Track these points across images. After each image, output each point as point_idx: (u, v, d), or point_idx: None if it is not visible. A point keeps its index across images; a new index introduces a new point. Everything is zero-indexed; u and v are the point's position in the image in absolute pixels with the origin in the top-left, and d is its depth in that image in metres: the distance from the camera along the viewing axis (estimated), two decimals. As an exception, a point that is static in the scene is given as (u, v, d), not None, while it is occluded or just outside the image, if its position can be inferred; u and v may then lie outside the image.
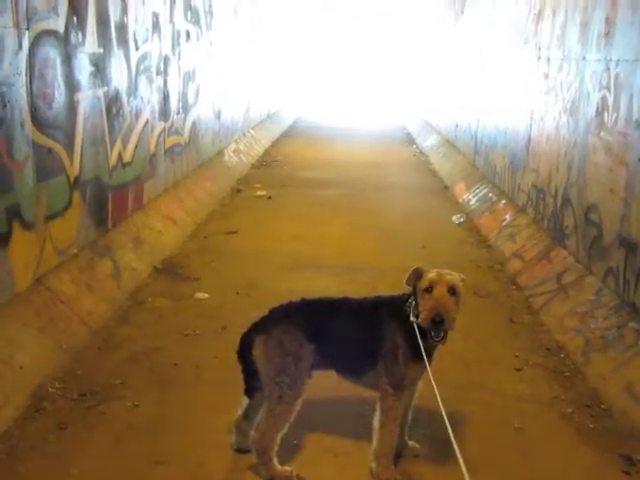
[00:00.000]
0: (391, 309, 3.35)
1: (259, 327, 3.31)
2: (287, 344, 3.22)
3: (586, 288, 5.26)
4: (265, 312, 3.38)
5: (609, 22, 5.31)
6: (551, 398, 4.24)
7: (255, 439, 3.25)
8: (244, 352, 3.32)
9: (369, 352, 3.32)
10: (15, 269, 4.25)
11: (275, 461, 3.25)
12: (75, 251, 5.15)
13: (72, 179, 5.07)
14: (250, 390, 3.39)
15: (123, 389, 4.10)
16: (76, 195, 5.16)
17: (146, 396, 4.03)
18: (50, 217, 4.71)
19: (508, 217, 7.84)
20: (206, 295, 5.69)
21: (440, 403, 2.71)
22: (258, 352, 3.24)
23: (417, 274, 3.24)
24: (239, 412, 3.48)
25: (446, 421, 2.58)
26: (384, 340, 3.28)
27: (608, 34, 5.32)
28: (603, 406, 4.09)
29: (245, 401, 3.43)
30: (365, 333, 3.34)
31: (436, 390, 2.81)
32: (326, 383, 3.57)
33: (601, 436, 3.83)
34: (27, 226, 4.37)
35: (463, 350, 4.76)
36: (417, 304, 3.22)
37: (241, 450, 3.46)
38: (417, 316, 3.18)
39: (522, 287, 6.11)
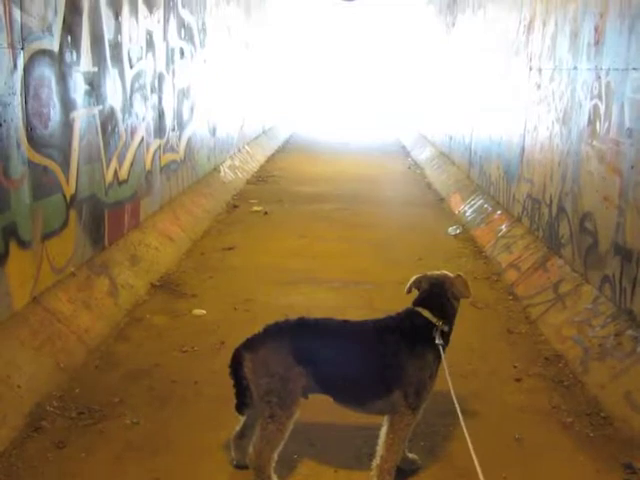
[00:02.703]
0: (409, 333, 3.27)
1: (249, 344, 3.24)
2: (273, 365, 3.15)
3: (583, 297, 5.27)
4: (261, 328, 3.35)
5: (598, 31, 5.36)
6: (551, 408, 4.23)
7: (252, 457, 3.20)
8: (236, 368, 3.26)
9: (382, 381, 3.23)
10: (12, 288, 4.25)
11: (274, 478, 3.21)
12: (72, 269, 5.15)
13: (68, 197, 5.08)
14: (240, 406, 3.33)
15: (122, 407, 4.08)
16: (72, 213, 5.17)
17: (145, 414, 4.02)
18: (47, 235, 4.71)
19: (504, 228, 7.86)
20: (203, 311, 5.69)
21: (460, 415, 2.73)
22: (247, 370, 3.18)
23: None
24: (237, 428, 3.46)
25: (465, 431, 2.61)
26: (406, 367, 3.20)
27: (598, 43, 5.37)
28: (603, 414, 4.09)
29: (243, 417, 3.42)
30: (376, 361, 3.24)
31: (456, 403, 2.85)
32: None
33: (602, 445, 3.82)
34: (24, 245, 4.38)
35: (462, 361, 4.76)
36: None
37: (240, 466, 3.44)
38: (443, 337, 3.23)
39: (519, 297, 6.12)
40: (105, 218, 5.89)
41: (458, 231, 8.72)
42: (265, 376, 3.15)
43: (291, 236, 8.35)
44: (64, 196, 5.01)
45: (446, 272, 3.48)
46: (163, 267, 6.70)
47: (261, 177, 12.90)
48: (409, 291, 3.46)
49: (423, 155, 15.44)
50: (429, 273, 3.49)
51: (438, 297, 3.37)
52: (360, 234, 8.54)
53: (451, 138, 12.76)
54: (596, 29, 5.41)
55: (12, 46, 4.16)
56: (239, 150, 13.17)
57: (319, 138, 20.46)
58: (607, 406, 4.13)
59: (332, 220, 9.35)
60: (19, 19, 4.23)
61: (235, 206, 10.10)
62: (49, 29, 4.70)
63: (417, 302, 3.40)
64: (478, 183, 10.02)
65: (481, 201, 9.34)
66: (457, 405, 3.01)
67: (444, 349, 3.25)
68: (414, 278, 3.47)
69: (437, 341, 3.21)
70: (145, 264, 6.42)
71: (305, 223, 9.12)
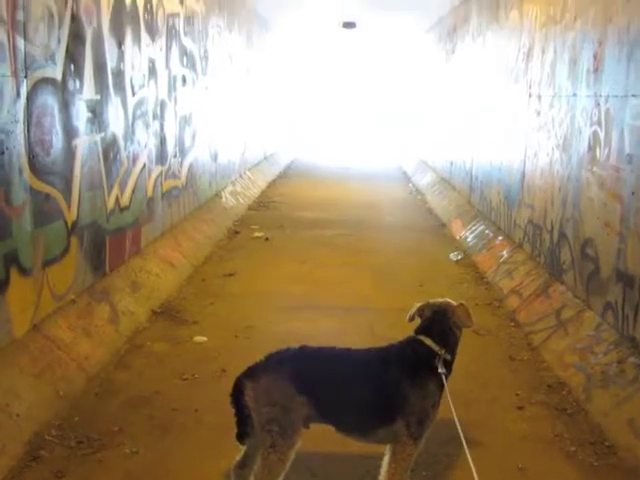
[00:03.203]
0: (411, 362, 3.26)
1: (250, 372, 3.21)
2: (275, 394, 3.12)
3: (585, 323, 5.25)
4: (263, 355, 3.31)
5: (597, 59, 5.40)
6: (554, 436, 4.19)
7: None
8: (237, 396, 3.22)
9: (385, 410, 3.20)
10: (12, 315, 4.24)
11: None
12: (72, 296, 5.15)
13: (70, 224, 5.09)
14: (241, 435, 3.28)
15: (121, 436, 4.05)
16: (74, 240, 5.17)
17: (145, 443, 3.99)
18: (47, 262, 4.71)
19: (505, 253, 7.86)
20: (204, 338, 5.67)
21: (465, 445, 2.70)
22: (248, 398, 3.15)
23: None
24: (238, 458, 3.42)
25: (469, 460, 2.58)
26: (408, 396, 3.18)
27: (597, 71, 5.41)
28: (607, 443, 4.05)
29: (244, 447, 3.38)
30: (379, 390, 3.21)
31: (461, 433, 2.86)
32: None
33: (606, 474, 3.78)
34: (24, 272, 4.37)
35: (463, 389, 4.72)
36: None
37: (241, 496, 3.40)
38: (445, 366, 3.21)
39: (521, 324, 6.10)
40: (106, 245, 5.90)
41: (460, 257, 8.71)
42: (266, 405, 3.12)
43: (292, 262, 8.35)
44: (65, 223, 5.02)
45: (449, 300, 3.47)
46: (164, 293, 6.69)
47: (262, 203, 12.93)
48: (412, 319, 3.44)
49: (424, 180, 15.48)
50: (431, 301, 3.47)
51: (440, 325, 3.35)
52: (361, 260, 8.54)
53: (452, 164, 12.81)
54: (595, 56, 5.45)
55: (15, 75, 4.20)
56: (240, 176, 13.22)
57: (320, 163, 20.54)
58: (611, 434, 4.09)
59: (333, 246, 9.35)
60: (23, 48, 4.27)
61: (236, 232, 10.11)
62: (52, 57, 4.74)
63: (419, 330, 3.38)
64: (479, 208, 10.04)
65: (482, 227, 9.34)
66: (462, 435, 2.99)
67: (447, 378, 3.23)
68: (417, 306, 3.45)
69: (440, 370, 3.19)
70: (146, 290, 6.41)
71: (306, 249, 9.11)
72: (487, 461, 3.84)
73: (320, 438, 3.55)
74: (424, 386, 3.20)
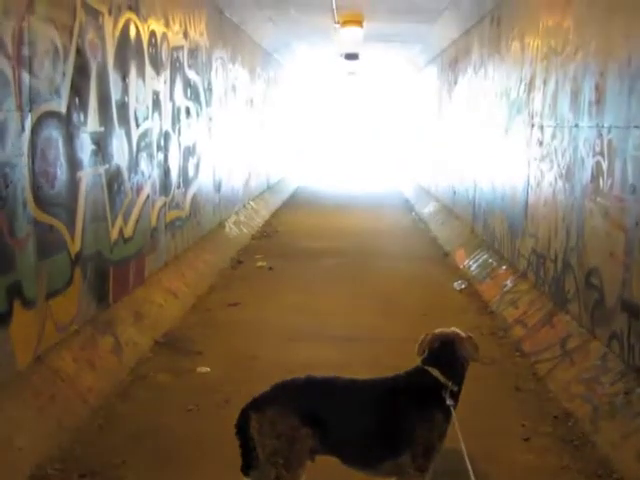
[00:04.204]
0: (418, 394, 3.24)
1: (256, 404, 3.19)
2: (280, 426, 3.09)
3: (591, 353, 5.22)
4: (269, 385, 3.29)
5: (599, 90, 5.43)
6: (560, 468, 4.14)
7: None
8: (242, 427, 3.20)
9: (391, 443, 3.17)
10: (15, 348, 4.23)
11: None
12: (76, 327, 5.14)
13: (73, 255, 5.10)
14: (247, 467, 3.24)
15: (124, 469, 4.01)
16: (77, 271, 5.17)
17: (148, 476, 3.96)
18: (51, 294, 4.71)
19: (509, 283, 7.84)
20: (208, 369, 5.64)
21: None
22: (253, 430, 3.13)
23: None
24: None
25: None
26: (415, 428, 3.15)
27: (599, 102, 5.44)
28: (615, 476, 3.99)
29: (248, 479, 3.34)
30: (386, 422, 3.18)
31: (469, 465, 2.84)
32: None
33: (614, 507, 3.74)
34: (28, 304, 4.37)
35: (468, 420, 4.66)
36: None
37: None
38: (452, 397, 3.19)
39: (526, 354, 6.06)
40: (110, 276, 5.90)
41: (463, 286, 8.69)
42: (271, 437, 3.10)
43: (296, 291, 8.33)
44: (69, 254, 5.03)
45: (457, 330, 3.44)
46: (167, 324, 6.67)
47: (266, 232, 12.95)
48: (422, 353, 3.39)
49: (427, 209, 15.51)
50: (439, 331, 3.44)
51: (448, 356, 3.32)
52: (365, 289, 8.52)
53: (455, 193, 12.84)
54: (597, 88, 5.48)
55: (20, 109, 4.24)
56: (244, 206, 13.26)
57: (324, 193, 20.59)
58: (619, 467, 4.04)
59: (337, 275, 9.34)
60: (28, 82, 4.31)
61: (240, 261, 10.11)
62: (57, 91, 4.78)
63: (427, 361, 3.35)
64: (482, 237, 10.04)
65: (486, 256, 9.34)
66: (470, 467, 2.95)
67: (454, 409, 3.20)
68: (426, 338, 3.41)
69: (447, 402, 3.16)
70: (149, 321, 6.40)
71: (310, 278, 9.11)
72: (494, 494, 3.80)
73: (325, 470, 3.51)
74: (431, 418, 3.17)
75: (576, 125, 5.96)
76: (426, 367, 3.31)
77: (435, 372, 3.26)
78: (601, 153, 5.34)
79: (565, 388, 5.13)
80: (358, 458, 3.29)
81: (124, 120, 6.18)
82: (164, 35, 7.44)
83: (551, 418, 4.82)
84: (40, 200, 4.52)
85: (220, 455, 4.12)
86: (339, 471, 3.37)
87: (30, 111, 4.36)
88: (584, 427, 4.58)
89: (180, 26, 8.13)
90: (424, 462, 3.17)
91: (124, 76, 6.14)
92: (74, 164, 5.10)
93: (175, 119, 8.04)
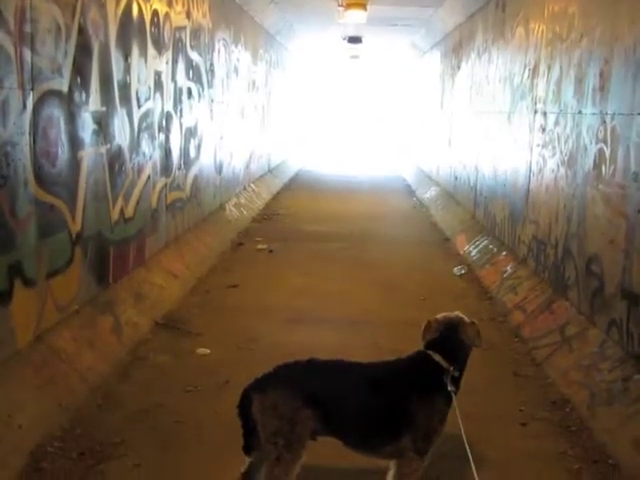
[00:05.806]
0: (419, 378, 3.25)
1: (258, 384, 3.21)
2: (282, 407, 3.10)
3: (590, 340, 5.23)
4: (269, 367, 3.30)
5: (603, 77, 5.41)
6: (558, 454, 4.16)
7: None
8: (244, 408, 3.22)
9: (392, 426, 3.19)
10: (16, 326, 4.23)
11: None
12: (76, 307, 5.14)
13: (74, 235, 5.09)
14: (248, 447, 3.27)
15: (123, 448, 4.03)
16: (78, 251, 5.17)
17: (147, 455, 3.97)
18: (51, 274, 4.71)
19: (509, 269, 7.84)
20: (207, 350, 5.66)
21: (472, 463, 2.69)
22: (255, 410, 3.15)
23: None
24: (242, 470, 3.40)
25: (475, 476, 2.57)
26: (416, 412, 3.17)
27: (603, 89, 5.41)
28: (611, 461, 4.01)
29: (247, 460, 3.37)
30: (387, 406, 3.19)
31: (468, 450, 2.85)
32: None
33: (610, 493, 3.76)
34: (28, 283, 4.37)
35: (466, 404, 4.68)
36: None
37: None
38: (453, 382, 3.20)
39: (525, 339, 6.08)
40: (110, 256, 5.90)
41: (463, 271, 8.70)
42: (273, 418, 3.11)
43: (296, 274, 8.34)
44: (70, 234, 5.02)
45: (461, 315, 3.44)
46: (167, 305, 6.68)
47: (266, 215, 12.94)
48: (427, 337, 3.38)
49: (428, 194, 15.49)
50: (443, 315, 3.44)
51: (450, 341, 3.33)
52: (365, 273, 8.53)
53: (456, 178, 12.82)
54: (601, 74, 5.46)
55: (22, 87, 4.22)
56: (245, 188, 13.24)
57: (326, 176, 20.56)
58: (615, 453, 4.06)
59: (337, 258, 9.35)
60: (29, 60, 4.29)
61: (240, 244, 10.11)
62: (59, 70, 4.76)
63: (429, 345, 3.36)
64: (483, 223, 10.03)
65: (486, 241, 9.34)
66: (469, 452, 2.96)
67: (455, 394, 3.21)
68: (431, 323, 3.40)
69: (449, 388, 3.17)
70: (149, 302, 6.41)
71: (310, 261, 9.11)
72: (491, 478, 3.82)
73: (326, 452, 3.54)
74: (432, 402, 3.19)
75: (580, 112, 5.94)
76: (428, 351, 3.31)
77: (437, 357, 3.27)
78: (604, 140, 5.33)
79: (563, 374, 5.15)
80: (359, 440, 3.30)
81: (126, 100, 6.16)
82: (167, 15, 7.39)
83: (549, 404, 4.84)
84: (41, 179, 4.51)
85: (218, 435, 4.15)
86: (340, 452, 3.39)
87: (32, 89, 4.34)
88: (581, 413, 4.60)
89: (183, 6, 8.08)
90: (424, 446, 3.18)
91: (126, 56, 6.11)
92: (76, 143, 5.09)
93: (177, 100, 8.00)
